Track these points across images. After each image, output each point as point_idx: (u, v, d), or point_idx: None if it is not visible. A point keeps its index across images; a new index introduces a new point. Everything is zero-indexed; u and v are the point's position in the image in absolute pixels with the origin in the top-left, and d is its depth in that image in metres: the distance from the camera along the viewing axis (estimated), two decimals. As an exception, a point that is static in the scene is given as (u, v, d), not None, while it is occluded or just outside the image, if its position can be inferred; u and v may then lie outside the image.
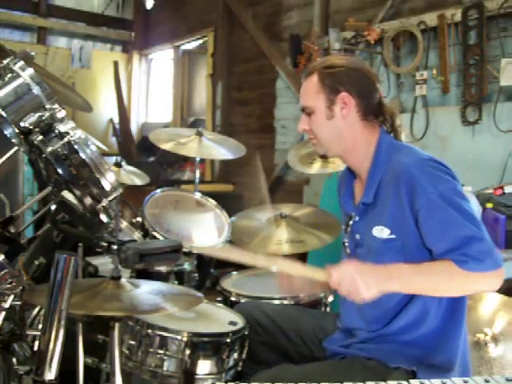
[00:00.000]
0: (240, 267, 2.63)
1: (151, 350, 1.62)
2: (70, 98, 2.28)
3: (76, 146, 1.20)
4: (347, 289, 1.31)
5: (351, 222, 1.57)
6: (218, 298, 2.14)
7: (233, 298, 2.09)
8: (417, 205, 1.36)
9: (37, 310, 1.90)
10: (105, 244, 2.03)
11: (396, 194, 1.40)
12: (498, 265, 1.31)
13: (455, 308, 1.45)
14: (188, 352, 1.60)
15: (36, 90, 1.23)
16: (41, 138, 1.20)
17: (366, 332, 1.51)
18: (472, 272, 1.29)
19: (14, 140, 1.30)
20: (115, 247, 1.59)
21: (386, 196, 1.44)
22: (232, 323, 1.75)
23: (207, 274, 2.59)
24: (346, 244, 1.60)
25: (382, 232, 1.44)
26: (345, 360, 1.51)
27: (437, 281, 1.33)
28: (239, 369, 1.70)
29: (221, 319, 1.81)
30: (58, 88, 2.05)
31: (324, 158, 1.62)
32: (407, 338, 1.44)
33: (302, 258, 3.27)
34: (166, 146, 2.67)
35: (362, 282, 1.28)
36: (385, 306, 1.46)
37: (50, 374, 1.05)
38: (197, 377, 1.62)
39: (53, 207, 1.59)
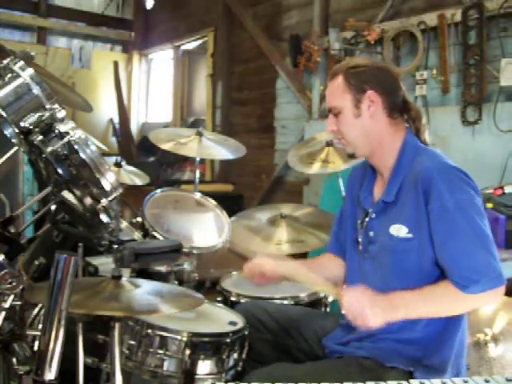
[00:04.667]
0: (240, 267, 2.63)
1: (151, 349, 1.62)
2: (69, 98, 2.28)
3: (76, 146, 1.20)
4: (355, 314, 1.35)
5: (367, 219, 1.57)
6: (218, 298, 2.14)
7: (233, 298, 2.09)
8: (429, 207, 1.38)
9: (37, 309, 1.89)
10: (106, 243, 2.03)
11: (415, 195, 1.42)
12: (499, 283, 1.34)
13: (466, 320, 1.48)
14: (188, 352, 1.60)
15: (36, 90, 1.23)
16: (41, 138, 1.20)
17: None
18: (473, 294, 1.33)
19: (13, 140, 1.30)
20: (116, 247, 1.59)
21: (406, 196, 1.46)
22: (232, 323, 1.75)
23: (207, 274, 2.59)
24: (360, 240, 1.59)
25: (399, 230, 1.45)
26: (341, 359, 1.51)
27: (439, 305, 1.38)
28: (239, 369, 1.70)
29: (221, 319, 1.81)
30: (58, 88, 2.05)
31: (353, 157, 1.63)
32: (405, 337, 1.45)
33: (302, 258, 3.27)
34: (166, 146, 2.67)
35: (370, 311, 1.32)
36: None
37: (50, 374, 1.05)
38: (197, 377, 1.62)
39: (53, 207, 1.58)
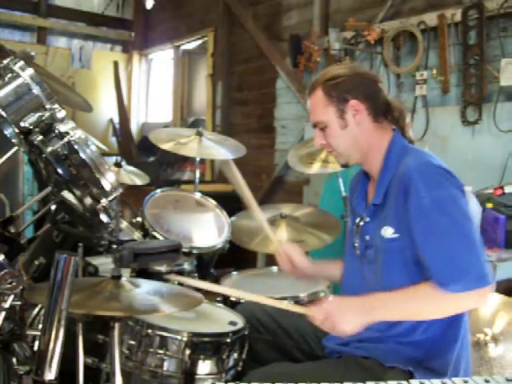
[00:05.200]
0: (240, 267, 2.63)
1: (151, 349, 1.62)
2: (69, 98, 2.28)
3: (76, 146, 1.20)
4: (328, 327, 1.37)
5: (362, 224, 1.57)
6: (218, 298, 2.14)
7: (233, 298, 2.09)
8: (408, 205, 1.38)
9: (37, 309, 1.90)
10: (105, 243, 2.03)
11: (398, 195, 1.42)
12: (483, 283, 1.30)
13: (455, 315, 1.44)
14: (188, 352, 1.60)
15: (36, 90, 1.23)
16: (41, 138, 1.20)
17: (365, 330, 1.51)
18: (454, 293, 1.31)
19: (13, 140, 1.30)
20: (115, 247, 1.59)
21: (392, 197, 1.46)
22: (232, 323, 1.75)
23: (207, 274, 2.59)
24: (356, 245, 1.59)
25: (386, 231, 1.45)
26: (341, 359, 1.51)
27: (419, 305, 1.36)
28: (239, 369, 1.70)
29: (221, 319, 1.81)
30: (58, 88, 2.05)
31: (345, 166, 1.63)
32: (406, 340, 1.44)
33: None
34: (166, 146, 2.67)
35: (341, 319, 1.35)
36: None
37: (50, 374, 1.05)
38: (197, 377, 1.62)
39: (53, 207, 1.58)
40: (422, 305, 1.36)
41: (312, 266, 1.74)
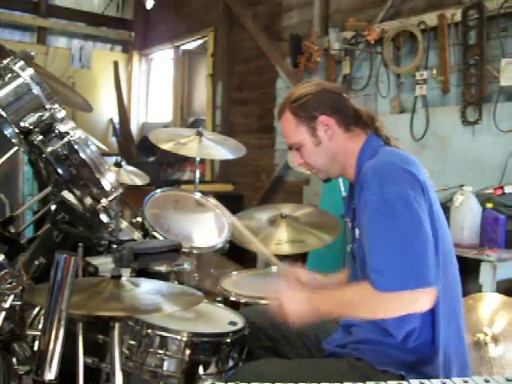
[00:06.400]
0: (240, 267, 2.63)
1: (151, 349, 1.62)
2: (69, 97, 2.28)
3: (76, 146, 1.20)
4: (281, 315, 1.45)
5: (350, 228, 1.59)
6: (218, 298, 2.14)
7: (233, 298, 2.09)
8: (360, 201, 1.39)
9: (37, 309, 1.90)
10: (105, 243, 2.03)
11: (359, 195, 1.43)
12: (417, 285, 1.27)
13: (450, 321, 1.43)
14: (188, 352, 1.60)
15: (36, 90, 1.23)
16: (41, 138, 1.20)
17: (363, 328, 1.51)
18: (386, 293, 1.29)
19: (14, 140, 1.30)
20: (115, 247, 1.59)
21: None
22: (232, 323, 1.75)
23: (207, 274, 2.59)
24: (349, 249, 1.63)
25: (356, 232, 1.49)
26: (332, 359, 1.52)
27: (353, 304, 1.38)
28: (239, 369, 1.70)
29: (221, 319, 1.81)
30: (58, 88, 2.05)
31: (328, 181, 1.65)
32: (399, 344, 1.42)
33: (302, 257, 3.27)
34: (166, 146, 2.67)
35: (290, 310, 1.42)
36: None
37: (50, 374, 1.05)
38: (197, 377, 1.62)
39: (53, 207, 1.59)
40: (357, 303, 1.36)
41: (319, 284, 1.77)
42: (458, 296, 1.48)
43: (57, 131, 1.21)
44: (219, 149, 2.73)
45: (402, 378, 1.37)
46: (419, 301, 1.29)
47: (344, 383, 1.09)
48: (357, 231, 1.49)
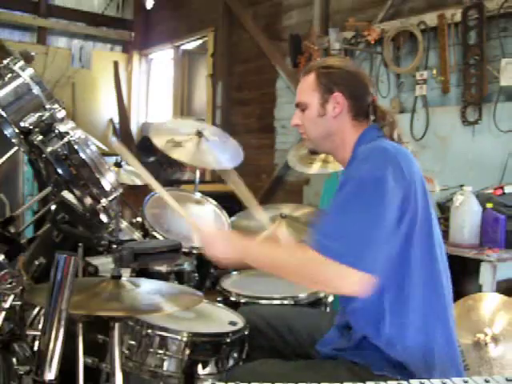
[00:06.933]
0: (240, 267, 2.63)
1: (151, 350, 1.62)
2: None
3: (76, 146, 1.20)
4: (206, 242, 1.49)
5: None
6: (218, 298, 2.14)
7: (233, 298, 2.09)
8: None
9: (37, 309, 1.90)
10: (105, 243, 2.03)
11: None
12: (360, 266, 1.25)
13: (438, 320, 1.42)
14: (188, 352, 1.60)
15: (36, 89, 1.23)
16: (41, 138, 1.20)
17: (358, 331, 1.51)
18: (328, 259, 1.26)
19: (14, 140, 1.30)
20: (115, 247, 1.59)
21: None
22: (232, 323, 1.75)
23: (207, 274, 2.59)
24: None
25: None
26: (331, 361, 1.50)
27: (285, 258, 1.39)
28: (239, 369, 1.70)
29: (221, 319, 1.81)
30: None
31: (314, 153, 1.68)
32: (396, 345, 1.40)
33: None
34: (161, 143, 2.62)
35: (220, 243, 1.46)
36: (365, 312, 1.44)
37: (50, 374, 1.05)
38: (197, 377, 1.62)
39: (53, 207, 1.59)
40: (290, 258, 1.37)
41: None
42: (449, 299, 1.47)
43: (57, 131, 1.21)
44: (217, 154, 2.68)
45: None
46: (350, 279, 1.26)
47: None
48: None
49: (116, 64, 7.18)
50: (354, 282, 1.26)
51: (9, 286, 1.16)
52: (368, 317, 1.42)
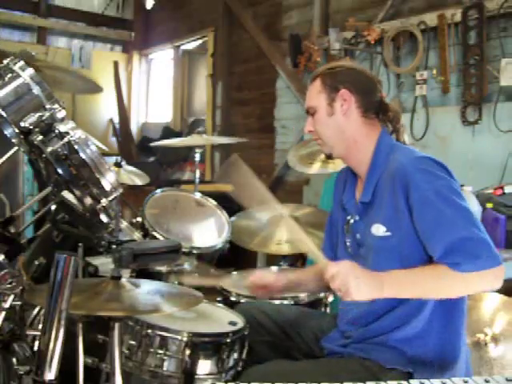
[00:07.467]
0: (240, 267, 2.63)
1: (151, 350, 1.62)
2: (78, 84, 2.29)
3: (76, 146, 1.20)
4: (339, 285, 1.32)
5: (352, 222, 1.58)
6: (218, 298, 2.14)
7: (233, 298, 2.09)
8: (410, 200, 1.38)
9: (37, 309, 1.89)
10: (105, 243, 2.03)
11: (392, 193, 1.43)
12: (495, 263, 1.30)
13: (451, 310, 1.44)
14: (188, 352, 1.60)
15: (36, 89, 1.23)
16: (41, 138, 1.20)
17: (355, 332, 1.52)
18: (466, 273, 1.30)
19: (13, 140, 1.30)
20: (114, 247, 1.59)
21: (383, 195, 1.47)
22: (232, 323, 1.75)
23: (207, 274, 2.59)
24: (348, 244, 1.60)
25: (378, 230, 1.46)
26: (342, 359, 1.51)
27: (431, 285, 1.35)
28: (239, 369, 1.70)
29: (221, 319, 1.81)
30: (66, 78, 2.06)
31: (330, 158, 1.66)
32: (404, 335, 1.44)
33: (302, 257, 3.28)
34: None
35: (353, 283, 1.29)
36: (368, 307, 1.47)
37: (50, 374, 1.05)
38: (197, 377, 1.62)
39: (53, 207, 1.59)
40: (435, 284, 1.34)
41: (287, 280, 1.77)
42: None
43: (57, 131, 1.21)
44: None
45: (410, 374, 1.39)
46: (498, 279, 1.32)
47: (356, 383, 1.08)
48: (375, 226, 1.47)
49: (116, 64, 7.18)
50: (500, 279, 1.33)
51: (9, 285, 1.16)
52: (392, 318, 1.45)
